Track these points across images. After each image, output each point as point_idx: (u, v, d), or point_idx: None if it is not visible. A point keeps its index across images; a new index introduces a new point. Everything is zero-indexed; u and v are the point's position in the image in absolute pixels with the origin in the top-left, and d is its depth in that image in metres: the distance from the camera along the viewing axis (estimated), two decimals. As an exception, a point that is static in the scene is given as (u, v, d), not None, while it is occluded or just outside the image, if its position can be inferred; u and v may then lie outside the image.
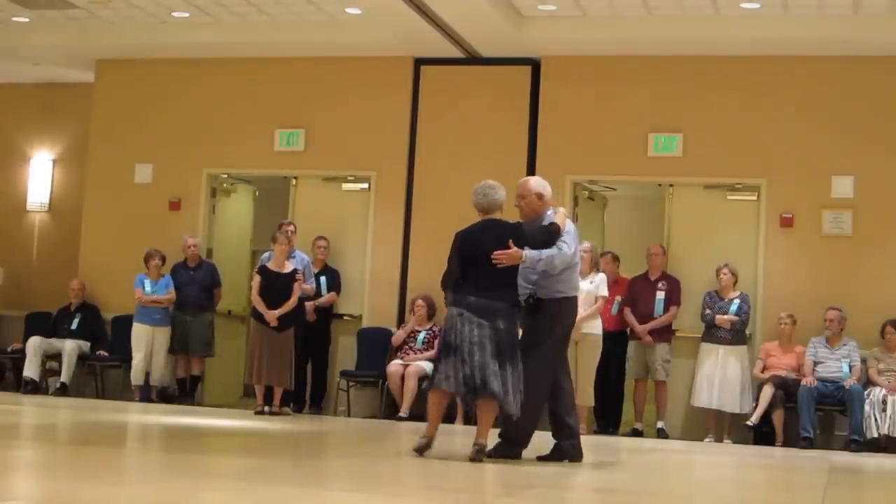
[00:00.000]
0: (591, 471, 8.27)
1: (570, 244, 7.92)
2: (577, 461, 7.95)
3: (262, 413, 11.63)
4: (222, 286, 13.33)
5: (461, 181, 13.00)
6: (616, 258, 12.44)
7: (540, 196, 8.16)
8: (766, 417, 11.56)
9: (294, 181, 13.69)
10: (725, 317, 11.87)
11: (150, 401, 12.83)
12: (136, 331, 12.95)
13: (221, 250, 14.01)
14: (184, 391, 13.07)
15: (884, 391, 11.39)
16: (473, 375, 7.51)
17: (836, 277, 12.17)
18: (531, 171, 12.95)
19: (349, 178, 13.54)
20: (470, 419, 12.03)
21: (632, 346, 12.21)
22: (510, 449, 7.91)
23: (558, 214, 8.07)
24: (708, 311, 11.97)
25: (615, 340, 12.00)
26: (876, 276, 12.13)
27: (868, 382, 11.63)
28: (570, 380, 8.23)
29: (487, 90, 13.16)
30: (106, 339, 13.60)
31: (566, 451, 7.95)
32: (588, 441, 11.00)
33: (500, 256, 7.65)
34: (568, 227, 8.03)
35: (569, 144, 12.91)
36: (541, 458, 7.93)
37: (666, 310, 12.17)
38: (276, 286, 11.72)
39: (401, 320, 12.88)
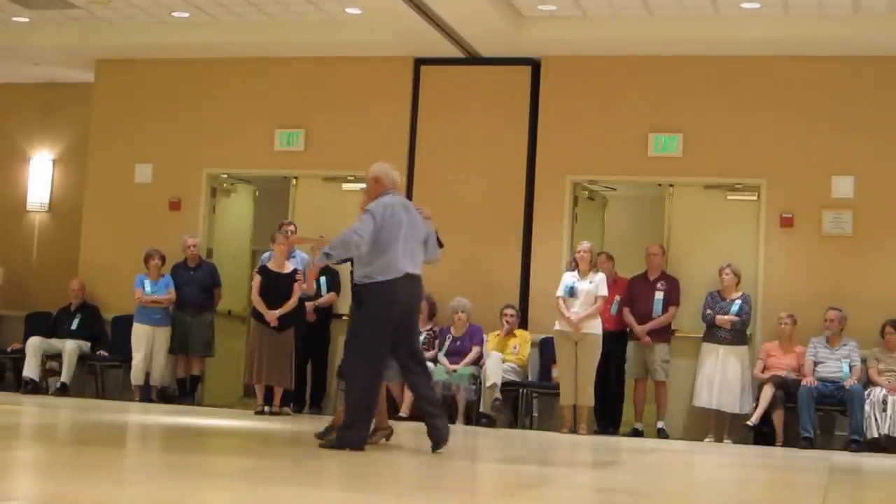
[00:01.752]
0: (591, 471, 8.27)
1: (358, 225, 7.77)
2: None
3: (262, 413, 11.64)
4: (222, 286, 13.33)
5: (461, 181, 13.08)
6: (611, 257, 12.43)
7: (376, 180, 8.13)
8: (766, 417, 11.56)
9: (294, 181, 13.70)
10: (726, 317, 11.87)
11: (150, 401, 12.83)
12: (136, 331, 12.96)
13: (221, 250, 14.01)
14: (184, 391, 13.07)
15: (884, 391, 11.39)
16: None
17: (836, 277, 12.17)
18: (531, 170, 12.99)
19: (349, 178, 13.54)
20: (470, 419, 12.06)
21: (631, 347, 12.21)
22: (340, 440, 7.75)
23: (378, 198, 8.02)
24: (709, 310, 11.97)
25: (615, 340, 12.01)
26: (876, 276, 12.13)
27: (868, 382, 11.62)
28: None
29: (487, 90, 13.16)
30: (106, 339, 13.60)
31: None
32: (588, 441, 11.04)
33: None
34: (373, 206, 7.89)
35: (569, 144, 12.91)
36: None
37: (665, 310, 12.16)
38: (276, 286, 11.73)
39: (401, 320, 12.86)
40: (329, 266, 12.94)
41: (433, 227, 8.32)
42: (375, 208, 7.88)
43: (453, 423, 11.97)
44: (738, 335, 11.95)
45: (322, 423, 11.64)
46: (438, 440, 7.89)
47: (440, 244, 8.35)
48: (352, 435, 7.74)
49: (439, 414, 8.01)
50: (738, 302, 11.94)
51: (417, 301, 8.09)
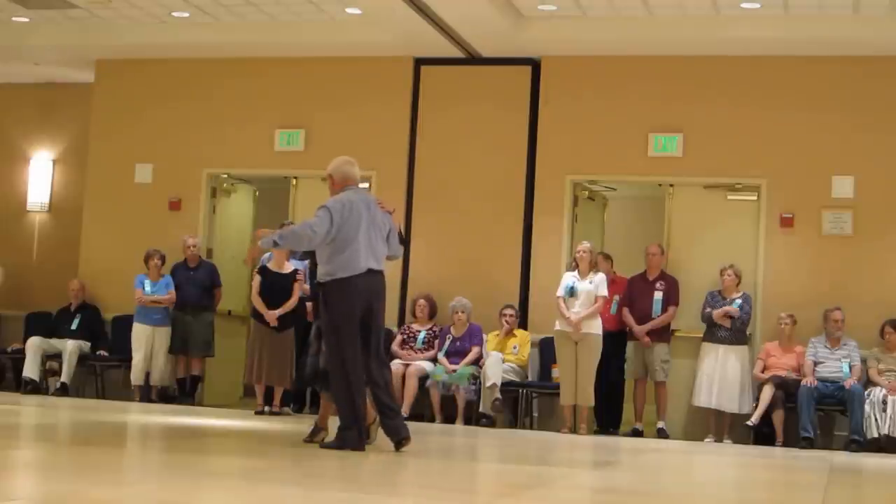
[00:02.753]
0: (591, 471, 8.27)
1: (314, 221, 7.72)
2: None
3: (262, 413, 11.65)
4: (222, 286, 13.33)
5: (461, 181, 13.08)
6: (608, 257, 12.43)
7: (329, 178, 8.10)
8: (766, 417, 11.56)
9: (294, 181, 13.70)
10: (722, 309, 11.86)
11: (150, 401, 12.83)
12: (136, 331, 12.95)
13: (221, 250, 14.01)
14: (184, 391, 13.07)
15: (884, 391, 11.39)
16: None
17: (836, 277, 12.16)
18: (531, 170, 12.99)
19: (349, 178, 13.51)
20: (470, 419, 12.06)
21: (631, 347, 12.21)
22: (340, 441, 7.76)
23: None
24: (708, 308, 11.96)
25: (614, 340, 12.00)
26: (876, 276, 12.13)
27: (868, 382, 11.62)
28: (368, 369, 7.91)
29: (487, 90, 13.15)
30: (106, 339, 13.60)
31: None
32: (588, 441, 11.04)
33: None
34: (332, 203, 7.81)
35: (569, 144, 12.91)
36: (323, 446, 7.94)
37: (664, 310, 12.15)
38: (276, 286, 11.73)
39: (401, 320, 12.88)
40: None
41: (396, 224, 8.27)
42: (333, 206, 7.81)
43: (453, 422, 11.98)
44: (737, 334, 11.95)
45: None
46: (400, 440, 7.86)
47: (402, 241, 8.33)
48: (351, 435, 7.74)
49: (398, 413, 8.03)
50: (738, 301, 11.94)
51: (380, 296, 7.98)
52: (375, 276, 7.90)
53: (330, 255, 7.81)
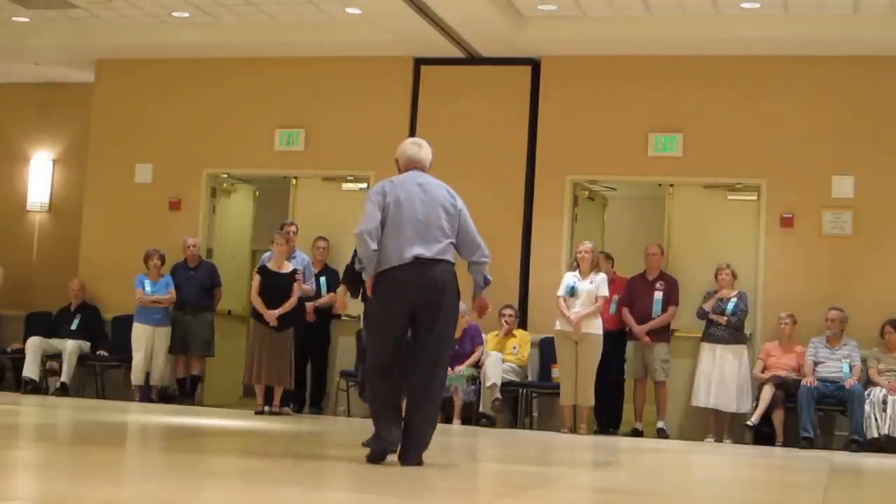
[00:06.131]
0: (591, 471, 8.27)
1: (360, 223, 6.85)
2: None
3: (262, 413, 11.65)
4: (222, 286, 13.34)
5: (461, 181, 13.03)
6: (609, 257, 12.43)
7: (396, 162, 7.24)
8: (766, 417, 11.56)
9: (294, 181, 13.70)
10: (717, 313, 11.88)
11: (150, 401, 12.83)
12: (136, 331, 12.95)
13: (221, 250, 14.01)
14: (184, 391, 13.07)
15: (884, 391, 11.39)
16: None
17: (836, 277, 12.17)
18: (531, 170, 12.99)
19: (349, 177, 13.54)
20: (469, 419, 12.05)
21: (630, 347, 12.21)
22: (374, 444, 7.02)
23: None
24: (702, 306, 11.97)
25: (614, 340, 12.00)
26: (876, 276, 12.13)
27: (868, 382, 11.63)
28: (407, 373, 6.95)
29: (487, 90, 13.15)
30: (106, 339, 13.60)
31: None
32: (588, 441, 11.04)
33: None
34: (371, 190, 6.98)
35: (569, 144, 12.91)
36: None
37: (664, 310, 12.16)
38: (275, 286, 11.73)
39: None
40: (328, 265, 12.98)
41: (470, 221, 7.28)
42: (372, 190, 6.96)
43: (450, 422, 11.98)
44: (735, 334, 11.95)
45: (322, 422, 11.69)
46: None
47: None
48: (374, 446, 7.07)
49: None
50: (734, 300, 11.95)
51: (436, 290, 6.83)
52: (426, 266, 6.82)
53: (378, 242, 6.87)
